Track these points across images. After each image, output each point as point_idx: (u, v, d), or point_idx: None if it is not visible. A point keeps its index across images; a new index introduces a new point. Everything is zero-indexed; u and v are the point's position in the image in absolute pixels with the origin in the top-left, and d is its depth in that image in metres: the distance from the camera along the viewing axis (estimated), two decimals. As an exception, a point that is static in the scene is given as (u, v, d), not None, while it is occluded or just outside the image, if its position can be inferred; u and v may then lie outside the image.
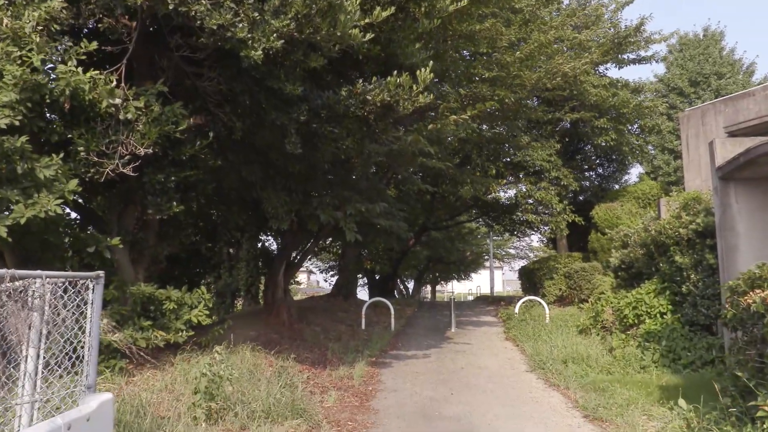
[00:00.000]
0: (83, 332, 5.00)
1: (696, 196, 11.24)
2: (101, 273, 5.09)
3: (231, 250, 24.50)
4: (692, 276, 10.14)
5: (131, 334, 7.76)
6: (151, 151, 7.13)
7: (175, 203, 8.04)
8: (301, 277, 53.82)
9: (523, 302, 17.44)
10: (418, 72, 7.29)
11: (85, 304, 5.02)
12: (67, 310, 4.93)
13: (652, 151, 30.14)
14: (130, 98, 7.12)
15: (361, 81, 7.44)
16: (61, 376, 4.86)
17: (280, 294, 14.04)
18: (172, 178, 7.79)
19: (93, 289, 5.09)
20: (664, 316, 10.92)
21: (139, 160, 7.03)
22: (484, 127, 14.27)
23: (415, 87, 7.34)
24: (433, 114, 9.59)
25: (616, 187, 24.42)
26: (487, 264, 52.59)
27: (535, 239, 49.71)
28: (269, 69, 6.97)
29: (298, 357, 11.20)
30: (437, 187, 14.12)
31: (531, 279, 22.29)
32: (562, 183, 19.67)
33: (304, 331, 13.94)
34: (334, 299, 22.39)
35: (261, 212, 13.90)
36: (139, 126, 7.09)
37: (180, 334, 8.61)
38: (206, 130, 8.75)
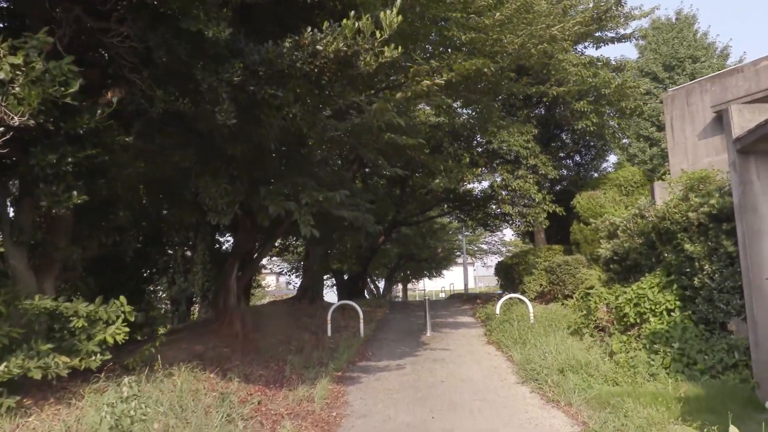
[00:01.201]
0: None
1: (704, 175, 9.87)
2: None
3: (187, 252, 22.62)
4: (706, 266, 8.74)
5: (21, 363, 5.99)
6: (32, 122, 5.38)
7: (76, 192, 6.26)
8: (269, 279, 51.81)
9: (505, 301, 15.94)
10: (382, 15, 5.69)
11: None
12: None
13: (625, 141, 29.14)
14: (2, 53, 5.36)
15: (309, 29, 5.79)
16: None
17: (232, 300, 12.31)
18: (69, 159, 6.02)
19: None
20: (672, 314, 9.52)
21: (11, 131, 5.27)
22: (457, 105, 12.69)
23: (378, 34, 5.74)
24: (395, 78, 8.00)
25: (595, 175, 23.20)
26: (459, 260, 51.36)
27: (508, 233, 48.81)
28: (184, 4, 5.29)
29: (250, 376, 9.52)
30: (408, 172, 12.52)
31: (509, 274, 20.88)
32: (540, 171, 18.27)
33: (260, 342, 12.24)
34: (298, 303, 20.70)
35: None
36: (15, 88, 5.33)
37: (93, 358, 6.86)
38: (126, 104, 7.05)
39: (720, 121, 17.30)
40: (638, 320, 10.02)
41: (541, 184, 18.68)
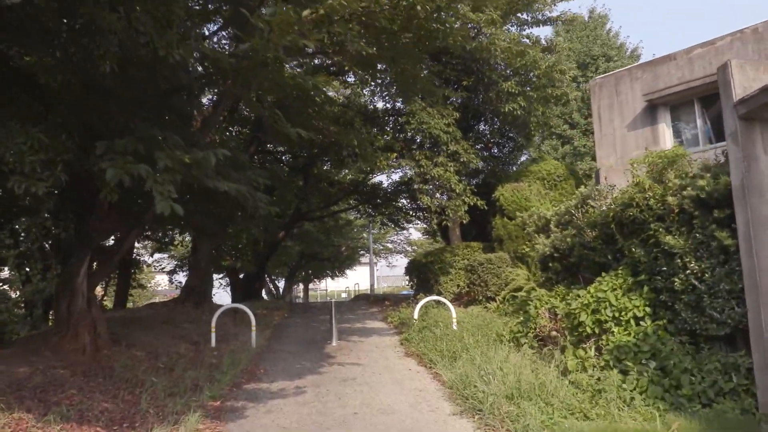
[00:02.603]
0: None
1: (679, 153, 8.12)
2: None
3: (48, 244, 18.98)
4: (692, 264, 6.94)
5: None
6: None
7: None
8: (159, 278, 47.24)
9: (424, 304, 13.80)
10: None
11: None
12: None
13: (537, 139, 28.23)
14: None
15: None
16: None
17: (80, 305, 9.38)
18: None
19: None
20: (641, 323, 7.70)
21: None
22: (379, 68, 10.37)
23: None
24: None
25: (514, 169, 21.73)
26: (363, 260, 49.39)
27: (415, 233, 47.35)
28: None
29: (87, 412, 6.77)
30: (316, 136, 10.04)
31: (423, 274, 18.90)
32: (461, 159, 16.36)
33: (118, 358, 9.37)
34: (181, 306, 17.66)
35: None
36: None
37: None
38: None
39: (652, 111, 16.13)
40: (597, 330, 8.15)
41: (461, 174, 16.80)
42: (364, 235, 44.00)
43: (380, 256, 51.94)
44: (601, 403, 6.59)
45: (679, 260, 7.11)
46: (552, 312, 9.53)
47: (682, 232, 7.18)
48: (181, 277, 37.79)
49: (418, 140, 17.79)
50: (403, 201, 24.94)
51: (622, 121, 16.76)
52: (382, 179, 53.24)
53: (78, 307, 9.36)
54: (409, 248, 50.78)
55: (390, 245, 50.79)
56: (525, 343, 9.56)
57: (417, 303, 14.84)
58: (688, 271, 6.98)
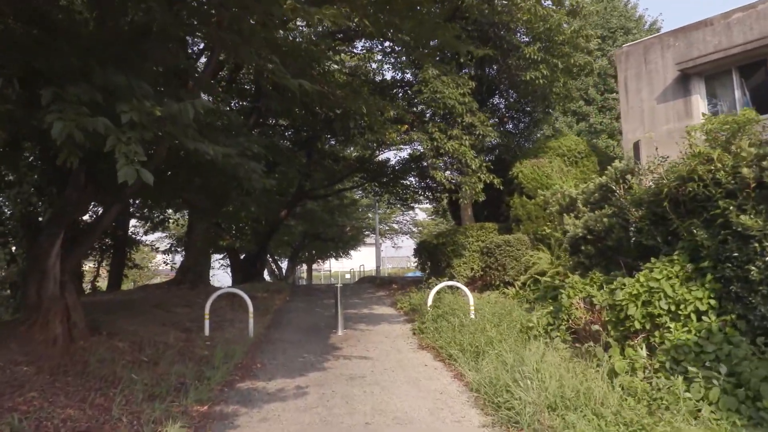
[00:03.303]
0: None
1: (752, 117, 6.87)
2: None
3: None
4: (774, 249, 5.75)
5: None
6: None
7: None
8: (160, 258, 46.13)
9: (438, 290, 12.58)
10: None
11: None
12: None
13: (552, 114, 26.92)
14: None
15: None
16: None
17: (51, 289, 8.24)
18: None
19: None
20: (704, 318, 6.53)
21: None
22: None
23: None
24: None
25: (529, 145, 20.45)
26: (368, 240, 48.29)
27: (420, 213, 46.24)
28: None
29: (47, 420, 5.65)
30: (320, 88, 8.78)
31: (434, 256, 17.73)
32: (477, 132, 15.13)
33: (95, 350, 8.25)
34: (176, 288, 16.59)
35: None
36: None
37: None
38: None
39: (684, 81, 14.80)
40: (647, 325, 6.99)
41: (477, 149, 15.56)
42: (369, 215, 42.85)
43: (385, 237, 50.77)
44: (666, 417, 5.44)
45: (756, 244, 5.92)
46: (588, 302, 8.39)
47: (760, 211, 5.98)
48: (180, 257, 36.84)
49: (430, 113, 16.58)
50: (412, 179, 23.78)
51: (651, 93, 15.47)
52: (390, 156, 51.97)
53: (49, 292, 8.22)
54: (415, 229, 49.70)
55: (396, 226, 49.66)
56: (557, 336, 8.42)
57: (428, 287, 13.76)
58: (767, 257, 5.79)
